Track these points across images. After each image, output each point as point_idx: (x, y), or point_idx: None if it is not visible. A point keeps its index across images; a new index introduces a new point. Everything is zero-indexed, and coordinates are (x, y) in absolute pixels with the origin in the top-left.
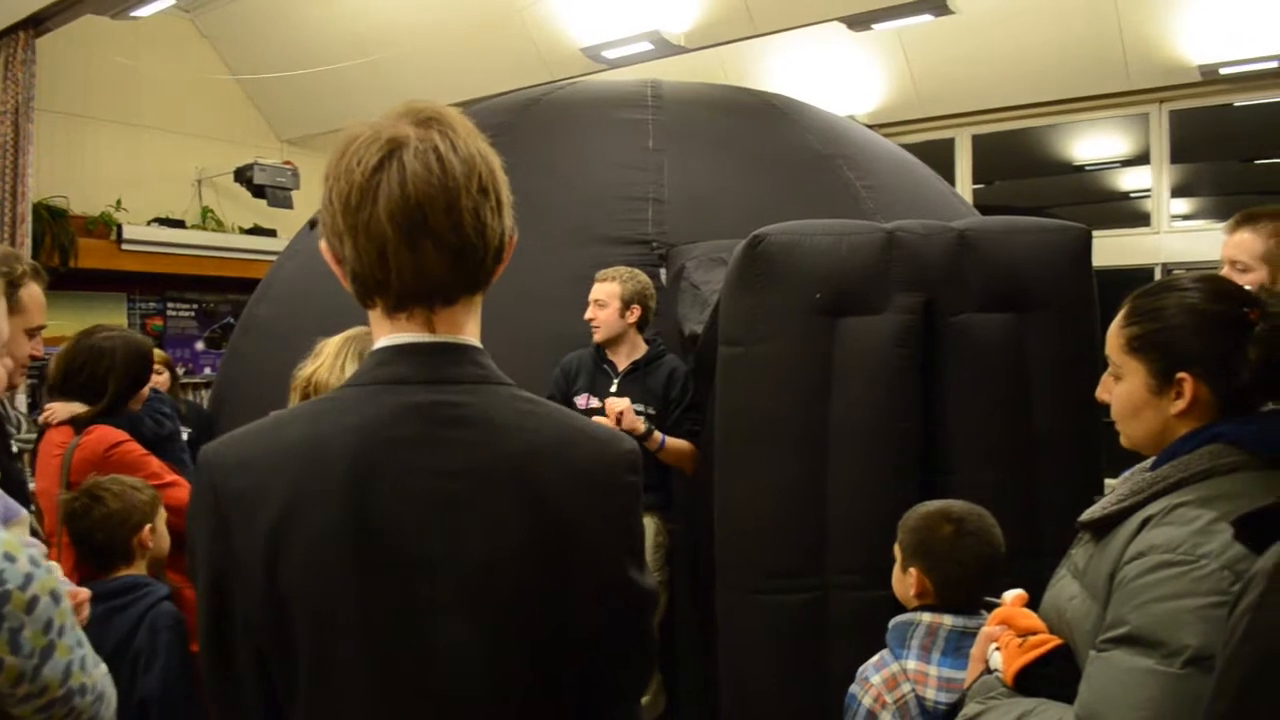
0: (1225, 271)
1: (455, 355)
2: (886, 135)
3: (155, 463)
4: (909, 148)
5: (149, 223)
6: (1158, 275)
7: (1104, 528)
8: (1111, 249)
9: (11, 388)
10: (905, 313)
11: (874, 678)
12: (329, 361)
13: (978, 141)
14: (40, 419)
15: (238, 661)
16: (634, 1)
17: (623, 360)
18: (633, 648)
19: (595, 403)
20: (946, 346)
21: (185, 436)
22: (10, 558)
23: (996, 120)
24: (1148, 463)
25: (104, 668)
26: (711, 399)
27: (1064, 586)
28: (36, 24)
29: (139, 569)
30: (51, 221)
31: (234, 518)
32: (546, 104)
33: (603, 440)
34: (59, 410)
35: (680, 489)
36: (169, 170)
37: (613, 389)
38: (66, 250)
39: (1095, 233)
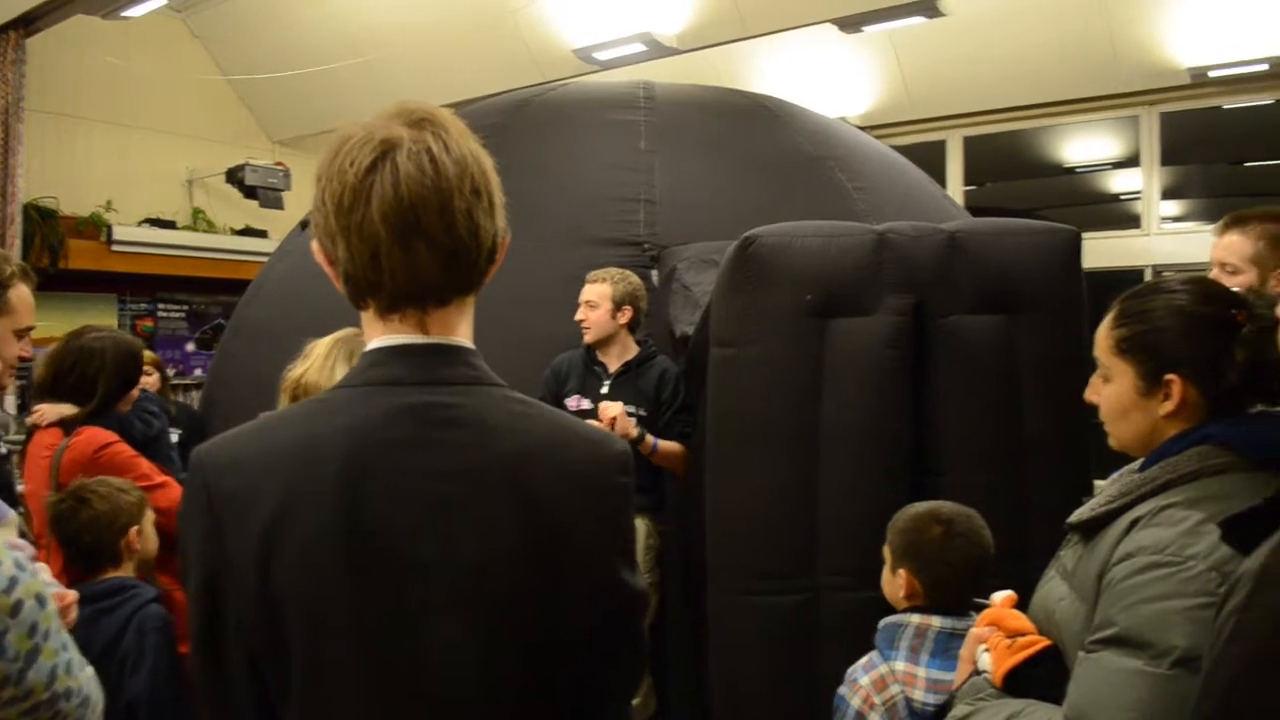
0: (1214, 274)
1: (448, 356)
2: (878, 137)
3: (145, 464)
4: (900, 149)
5: (139, 223)
6: (1148, 277)
7: (1093, 529)
8: (1102, 251)
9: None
10: (896, 314)
11: (862, 679)
12: (318, 363)
13: (969, 143)
14: (29, 421)
15: (230, 662)
16: (626, 3)
17: (614, 362)
18: (624, 649)
19: (586, 404)
20: (937, 348)
21: (176, 438)
22: None
23: (987, 122)
24: (1136, 464)
25: (90, 671)
26: (703, 400)
27: (1053, 588)
28: (27, 24)
29: (127, 571)
30: (41, 222)
31: (227, 518)
32: (538, 105)
33: (595, 442)
34: (48, 412)
35: (672, 490)
36: (160, 171)
37: (604, 390)
38: (56, 251)
39: (1085, 235)
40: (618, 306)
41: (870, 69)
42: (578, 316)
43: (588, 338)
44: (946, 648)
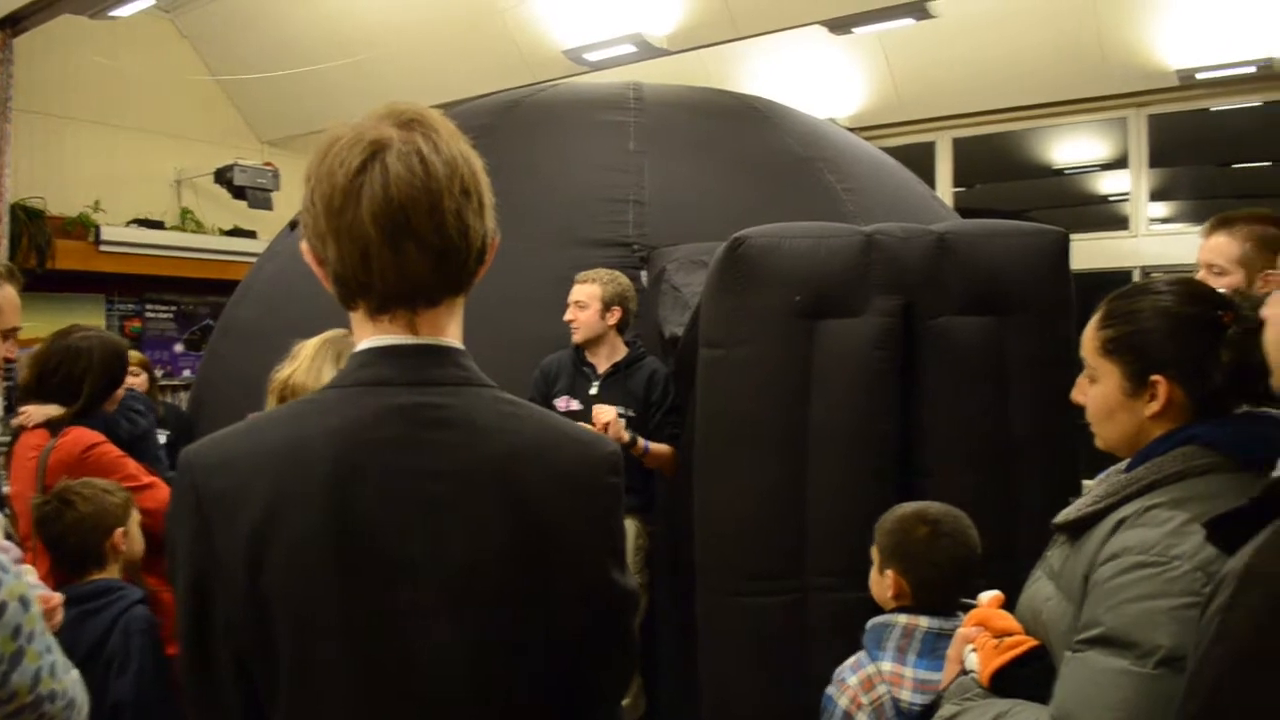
0: (1201, 275)
1: (438, 357)
2: (867, 138)
3: (132, 464)
4: (890, 151)
5: (127, 224)
6: (1136, 278)
7: (1079, 529)
8: (1090, 252)
9: None
10: (884, 315)
11: (850, 679)
12: (306, 364)
13: (958, 145)
14: (14, 422)
15: (218, 663)
16: (616, 4)
17: (603, 362)
18: (614, 649)
19: (575, 405)
20: (925, 349)
21: (164, 439)
22: None
23: (977, 124)
24: (1123, 464)
25: (75, 673)
26: (692, 401)
27: (1039, 588)
28: (14, 23)
29: (112, 573)
30: (28, 222)
31: (216, 518)
32: (528, 106)
33: (585, 442)
34: (34, 413)
35: (661, 491)
36: (148, 171)
37: (593, 391)
38: (43, 251)
39: (1074, 236)
40: (607, 307)
41: (860, 70)
42: (567, 317)
43: (576, 338)
44: (934, 648)
